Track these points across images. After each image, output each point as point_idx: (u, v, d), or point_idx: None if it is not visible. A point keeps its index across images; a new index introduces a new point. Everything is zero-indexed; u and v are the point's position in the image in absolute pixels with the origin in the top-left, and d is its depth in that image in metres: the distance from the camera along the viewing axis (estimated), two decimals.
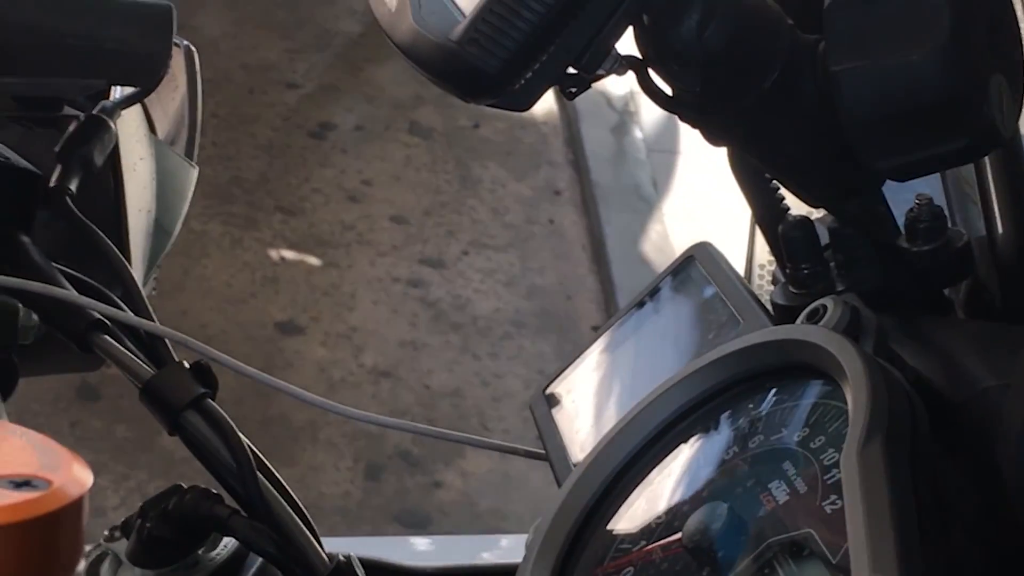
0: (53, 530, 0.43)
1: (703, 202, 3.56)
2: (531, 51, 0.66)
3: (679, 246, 0.91)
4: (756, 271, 1.05)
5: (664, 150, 3.80)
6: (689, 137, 3.77)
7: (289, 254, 3.40)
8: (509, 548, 1.01)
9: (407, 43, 0.67)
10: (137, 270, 0.96)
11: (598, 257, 3.53)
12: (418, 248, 3.49)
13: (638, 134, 3.84)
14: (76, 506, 0.44)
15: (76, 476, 0.46)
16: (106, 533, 0.89)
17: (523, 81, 0.66)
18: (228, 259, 3.33)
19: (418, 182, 3.69)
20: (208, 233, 3.36)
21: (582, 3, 0.66)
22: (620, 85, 3.87)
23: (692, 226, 3.46)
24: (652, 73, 0.73)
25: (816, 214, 0.83)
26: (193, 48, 1.12)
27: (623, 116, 3.86)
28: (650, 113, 3.88)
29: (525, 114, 3.94)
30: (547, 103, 4.02)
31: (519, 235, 3.61)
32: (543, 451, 0.87)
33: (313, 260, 3.40)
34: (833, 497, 0.65)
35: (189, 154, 1.09)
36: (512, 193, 3.73)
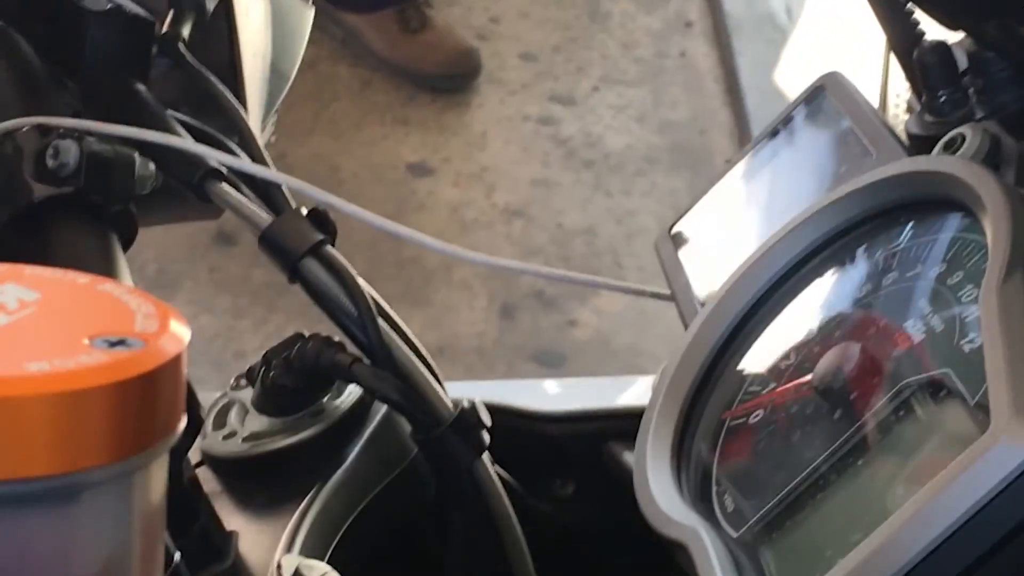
0: (150, 390, 0.42)
1: (839, 32, 3.46)
2: None
3: (814, 77, 0.88)
4: (891, 101, 1.01)
5: None
6: None
7: (420, 94, 3.38)
8: (637, 391, 0.99)
9: None
10: (254, 116, 0.94)
11: (731, 90, 3.45)
12: (548, 85, 3.44)
13: None
14: (174, 364, 0.43)
15: (173, 333, 0.44)
16: (232, 382, 0.89)
17: None
18: (358, 101, 3.32)
19: (546, 18, 3.63)
20: (338, 75, 3.34)
21: None
22: None
23: (828, 56, 3.36)
24: None
25: (954, 37, 0.79)
26: None
27: None
28: None
29: None
30: None
31: (650, 69, 3.54)
32: (668, 292, 0.85)
33: (442, 100, 3.37)
34: (972, 335, 0.62)
35: None
36: (642, 26, 3.65)
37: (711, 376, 0.75)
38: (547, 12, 3.64)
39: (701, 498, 0.70)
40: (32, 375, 0.40)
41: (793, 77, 3.40)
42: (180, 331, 0.45)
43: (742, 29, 3.55)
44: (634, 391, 1.01)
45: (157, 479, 0.45)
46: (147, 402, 0.42)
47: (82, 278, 0.47)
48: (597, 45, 3.58)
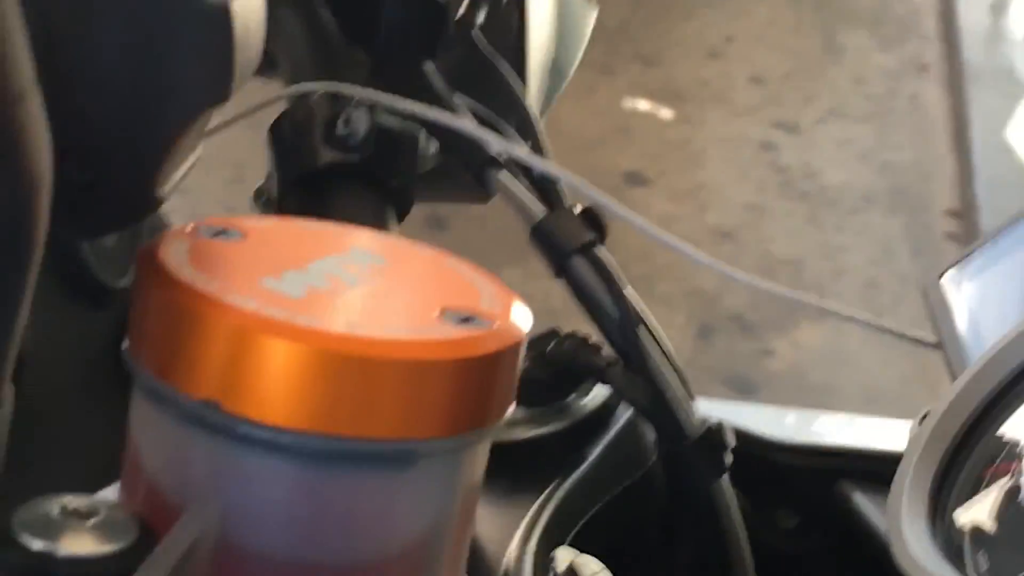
0: (492, 371, 0.43)
1: None
2: None
3: None
4: None
5: None
6: None
7: (643, 104, 3.38)
8: (883, 433, 0.98)
9: None
10: (535, 109, 0.95)
11: (960, 139, 3.39)
12: (773, 111, 3.42)
13: (1017, 14, 3.66)
14: (516, 348, 0.44)
15: (518, 317, 0.45)
16: None
17: None
18: (582, 104, 3.33)
19: (780, 44, 3.60)
20: None
21: None
22: None
23: None
24: None
25: None
26: None
27: None
28: None
29: None
30: None
31: (879, 107, 3.50)
32: (931, 339, 0.84)
33: (666, 113, 3.37)
34: None
35: None
36: (876, 64, 3.61)
37: (974, 431, 0.73)
38: (782, 38, 3.62)
39: (955, 554, 0.68)
40: (392, 340, 0.41)
41: None
42: (524, 316, 0.45)
43: (979, 79, 3.49)
44: (873, 432, 1.00)
45: (481, 459, 0.46)
46: (488, 382, 0.43)
47: (424, 250, 0.48)
48: (828, 77, 3.55)
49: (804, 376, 2.90)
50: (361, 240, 0.48)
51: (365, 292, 0.44)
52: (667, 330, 2.83)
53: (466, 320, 0.43)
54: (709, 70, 3.48)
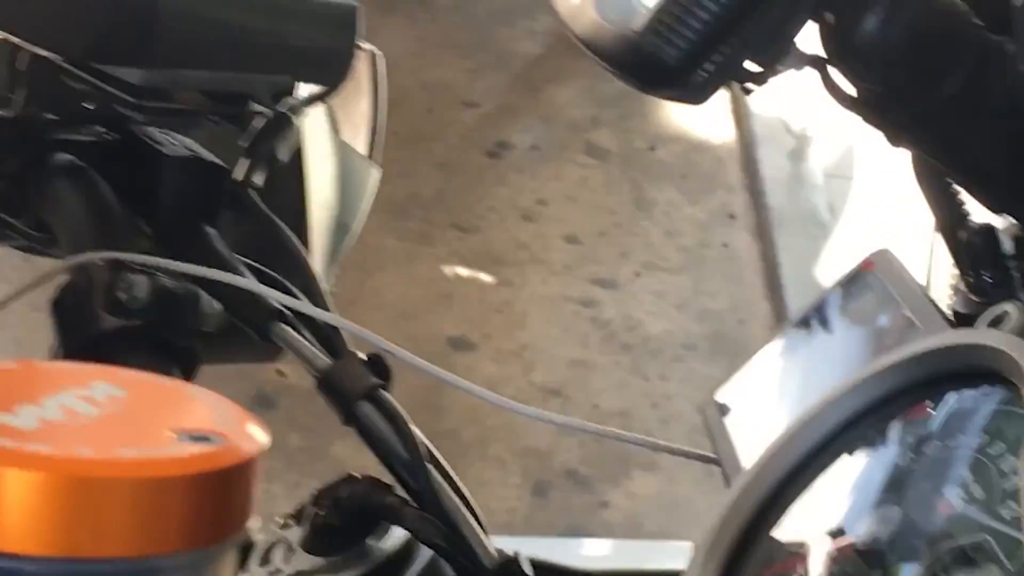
0: (227, 485, 0.44)
1: (879, 228, 3.51)
2: (711, 43, 0.66)
3: None
4: (937, 284, 1.03)
5: (841, 176, 3.75)
6: (866, 163, 3.72)
7: (463, 271, 3.43)
8: (675, 554, 1.00)
9: (588, 34, 0.67)
10: (317, 265, 0.97)
11: (772, 282, 3.49)
12: (591, 268, 3.49)
13: (815, 159, 3.80)
14: (250, 463, 0.46)
15: (252, 434, 0.47)
16: (279, 520, 0.91)
17: (702, 73, 0.66)
18: (403, 274, 3.37)
19: (592, 203, 3.69)
20: (384, 248, 3.40)
21: None
22: (797, 109, 3.84)
23: (869, 251, 3.40)
24: (833, 72, 0.73)
25: (1000, 222, 0.82)
26: (379, 52, 1.13)
27: (800, 141, 3.82)
28: (827, 138, 3.83)
29: (701, 138, 3.93)
30: (723, 127, 4.00)
31: (692, 258, 3.59)
32: (714, 455, 0.87)
33: (486, 277, 3.42)
34: (1011, 503, 0.64)
35: (371, 156, 1.10)
36: (686, 216, 3.71)
37: (751, 537, 0.76)
38: (594, 197, 3.71)
39: None
40: (121, 460, 0.42)
41: (834, 272, 3.44)
42: (258, 434, 0.47)
43: (785, 224, 3.60)
44: (667, 554, 1.02)
45: (227, 573, 0.47)
46: (224, 496, 0.45)
47: (167, 381, 0.50)
48: (641, 232, 3.64)
49: (640, 525, 2.92)
50: (103, 375, 0.50)
51: (100, 420, 0.45)
52: (502, 490, 2.84)
53: (200, 439, 0.45)
54: (525, 233, 3.55)
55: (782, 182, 3.74)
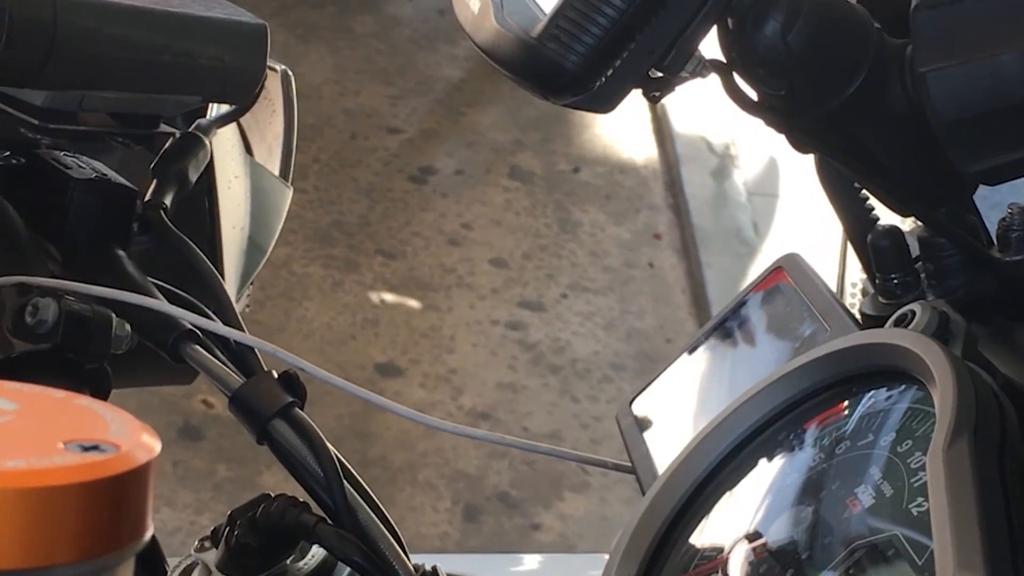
0: (120, 493, 0.44)
1: (804, 245, 3.54)
2: (611, 48, 0.66)
3: None
4: (848, 289, 1.04)
5: (765, 193, 3.78)
6: (790, 180, 3.75)
7: (389, 297, 3.42)
8: (596, 567, 1.00)
9: (489, 42, 0.67)
10: (230, 285, 0.97)
11: (698, 301, 3.51)
12: (517, 291, 3.50)
13: (738, 178, 3.83)
14: (143, 471, 0.45)
15: (144, 443, 0.46)
16: (196, 543, 0.90)
17: (604, 80, 0.67)
18: (329, 301, 3.36)
19: (518, 226, 3.70)
20: (309, 275, 3.39)
21: (663, 2, 0.66)
22: (720, 129, 3.86)
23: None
24: (737, 77, 0.73)
25: (906, 224, 0.82)
26: (290, 72, 1.13)
27: (723, 160, 3.85)
28: (750, 156, 3.86)
29: (625, 158, 3.95)
30: (647, 147, 4.02)
31: (618, 278, 3.60)
32: (629, 463, 0.87)
33: (413, 303, 3.42)
34: (919, 499, 0.64)
35: (284, 176, 1.10)
36: (611, 236, 3.73)
37: (666, 543, 0.76)
38: (519, 220, 3.72)
39: None
40: (8, 471, 0.42)
41: None
42: (151, 442, 0.47)
43: (709, 242, 3.62)
44: (588, 567, 1.02)
45: None
46: (116, 505, 0.44)
47: (58, 393, 0.49)
48: (567, 254, 3.64)
49: (573, 545, 2.92)
50: None
51: None
52: (434, 515, 2.83)
53: (91, 448, 0.44)
54: (451, 257, 3.55)
55: (706, 201, 3.76)
